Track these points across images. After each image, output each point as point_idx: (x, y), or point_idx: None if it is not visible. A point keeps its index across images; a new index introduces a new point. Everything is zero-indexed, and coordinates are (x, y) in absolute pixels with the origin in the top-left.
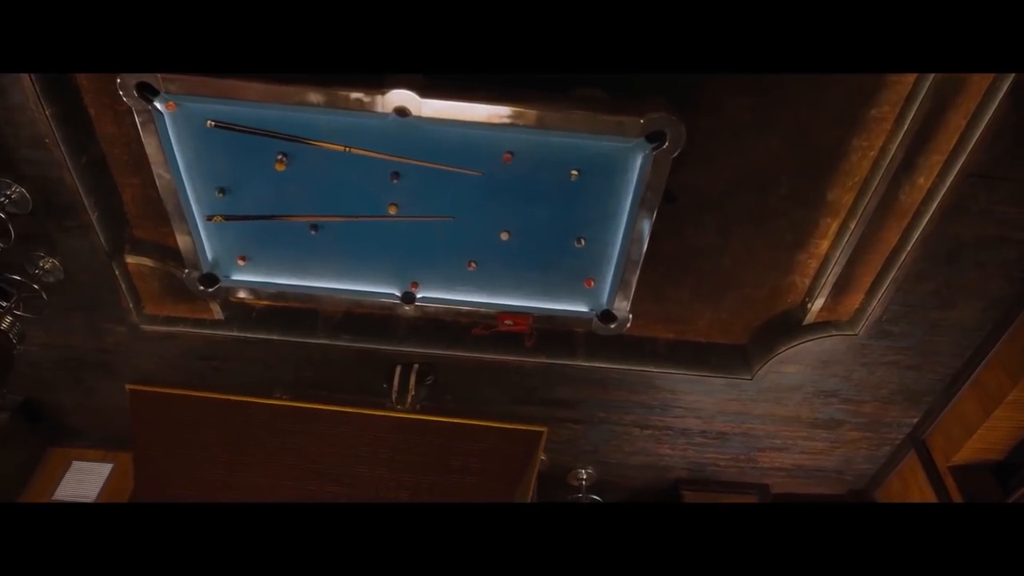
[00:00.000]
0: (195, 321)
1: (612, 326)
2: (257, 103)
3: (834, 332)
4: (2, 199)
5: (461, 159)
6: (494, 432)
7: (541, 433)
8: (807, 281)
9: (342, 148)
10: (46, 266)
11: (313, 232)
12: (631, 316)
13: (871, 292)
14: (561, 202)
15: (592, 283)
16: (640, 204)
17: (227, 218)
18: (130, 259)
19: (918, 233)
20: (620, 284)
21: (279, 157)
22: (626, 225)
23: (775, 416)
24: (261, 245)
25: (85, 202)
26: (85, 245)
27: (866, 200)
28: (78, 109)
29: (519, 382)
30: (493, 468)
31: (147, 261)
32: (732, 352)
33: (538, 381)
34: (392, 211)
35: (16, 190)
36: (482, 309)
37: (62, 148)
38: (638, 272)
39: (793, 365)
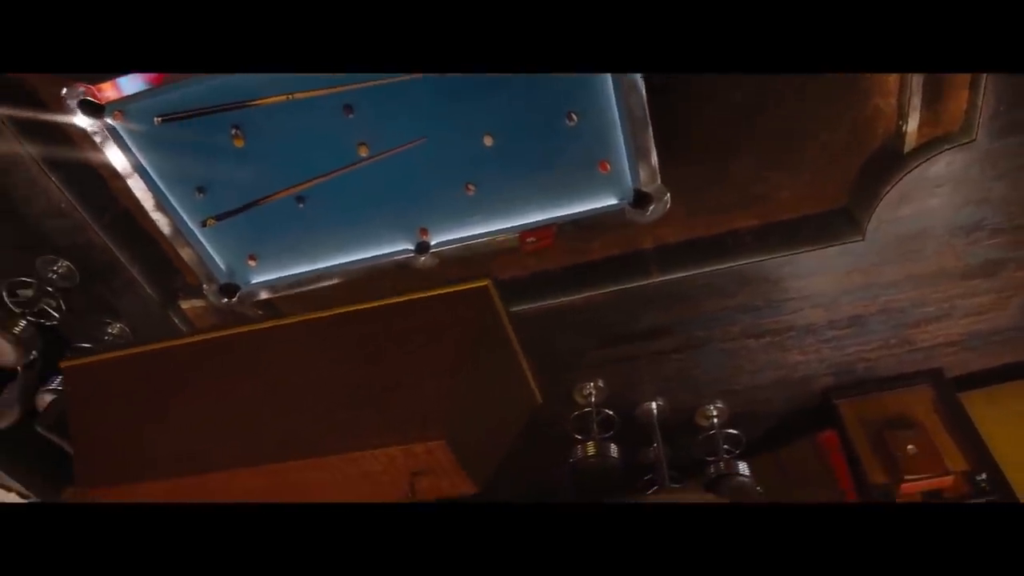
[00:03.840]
0: None
1: (651, 209)
2: (189, 82)
3: (946, 147)
4: (51, 275)
5: None
6: (429, 302)
7: (484, 287)
8: (891, 100)
9: (285, 97)
10: (114, 331)
11: (301, 205)
12: (668, 192)
13: (975, 83)
14: (530, 79)
15: (607, 165)
16: None
17: (218, 218)
18: (184, 304)
19: None
20: (638, 153)
21: (233, 132)
22: (612, 78)
23: (913, 277)
24: (261, 238)
25: (121, 258)
26: (138, 301)
27: None
28: (81, 168)
29: (596, 321)
30: (441, 339)
31: (199, 302)
32: (831, 217)
33: (616, 315)
34: (363, 152)
35: (62, 264)
36: (501, 236)
37: (80, 210)
38: (651, 131)
39: (909, 204)
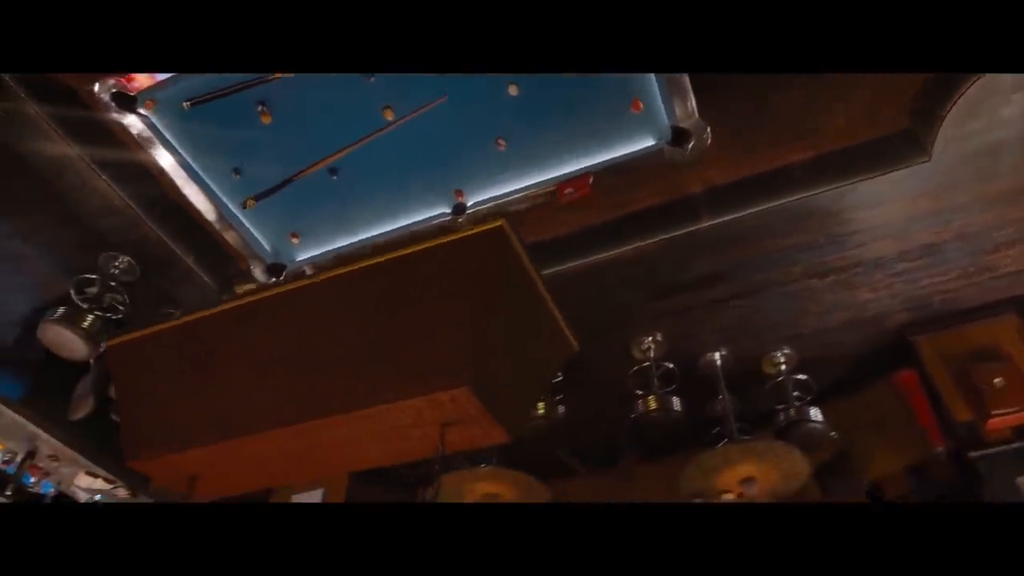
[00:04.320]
0: None
1: (690, 145)
2: None
3: None
4: (113, 271)
5: None
6: (445, 248)
7: (499, 227)
8: None
9: None
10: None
11: (334, 177)
12: (708, 126)
13: None
14: None
15: (640, 104)
16: None
17: (257, 198)
18: (240, 289)
19: None
20: (671, 88)
21: (259, 109)
22: None
23: (988, 197)
24: (301, 214)
25: (176, 249)
26: (196, 290)
27: None
28: (128, 165)
29: (647, 273)
30: (460, 285)
31: (253, 285)
32: (893, 141)
33: (668, 264)
34: (389, 116)
35: (123, 259)
36: (537, 190)
37: (133, 206)
38: None
39: (979, 118)
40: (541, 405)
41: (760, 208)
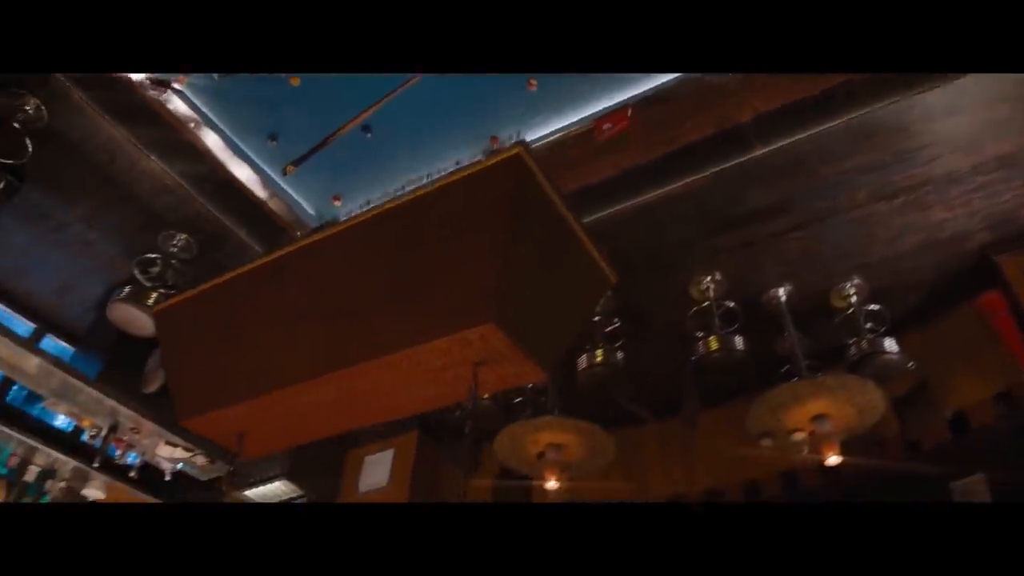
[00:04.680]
0: None
1: None
2: None
3: None
4: (173, 249)
5: None
6: (463, 183)
7: (516, 155)
8: None
9: None
10: None
11: (368, 135)
12: None
13: None
14: None
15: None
16: None
17: (296, 163)
18: None
19: None
20: None
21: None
22: None
23: None
24: (340, 175)
25: (228, 223)
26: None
27: None
28: (176, 143)
29: (700, 209)
30: (481, 220)
31: None
32: None
33: (720, 198)
34: None
35: (180, 237)
36: (575, 129)
37: (184, 184)
38: None
39: None
40: (599, 352)
41: (815, 131)
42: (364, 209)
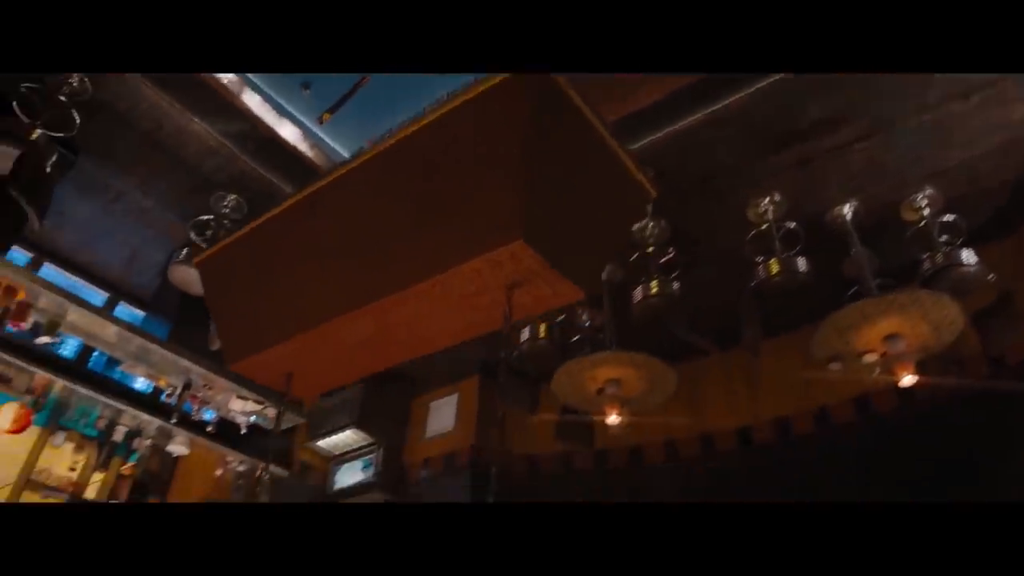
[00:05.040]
0: None
1: None
2: None
3: None
4: (224, 209)
5: None
6: (481, 100)
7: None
8: None
9: None
10: None
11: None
12: None
13: None
14: None
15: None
16: None
17: (331, 111)
18: None
19: None
20: None
21: None
22: None
23: None
24: (376, 120)
25: (273, 180)
26: None
27: None
28: (218, 103)
29: (754, 126)
30: (504, 136)
31: None
32: None
33: (775, 113)
34: None
35: (230, 198)
36: None
37: (227, 144)
38: None
39: None
40: (654, 284)
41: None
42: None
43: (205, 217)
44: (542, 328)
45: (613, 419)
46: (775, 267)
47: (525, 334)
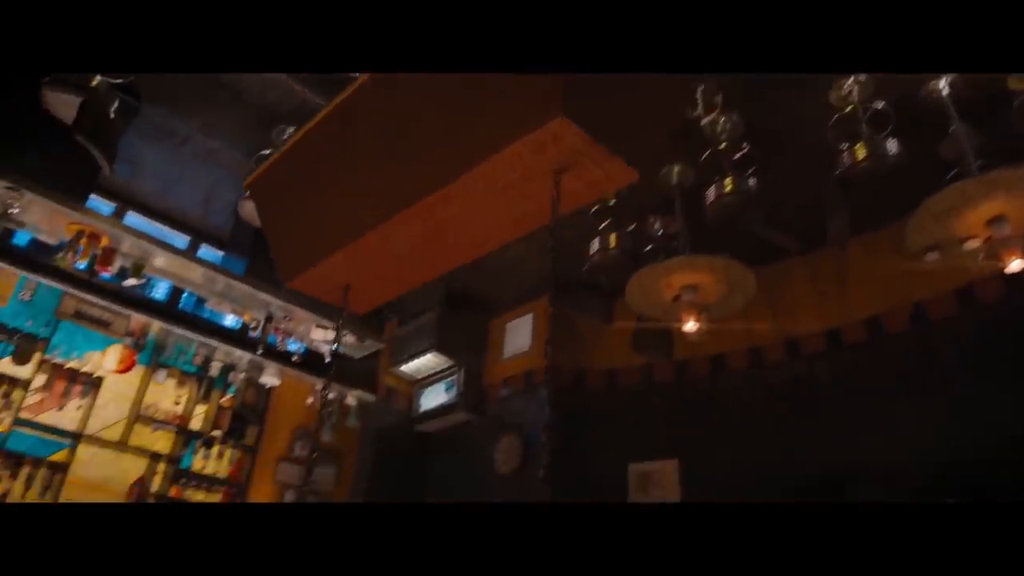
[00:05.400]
0: None
1: None
2: None
3: None
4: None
5: None
6: None
7: None
8: None
9: None
10: None
11: None
12: None
13: None
14: None
15: None
16: None
17: None
18: None
19: None
20: None
21: None
22: None
23: None
24: None
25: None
26: None
27: None
28: None
29: None
30: None
31: None
32: None
33: None
34: None
35: (290, 131)
36: None
37: (284, 75)
38: None
39: None
40: (728, 182)
41: None
42: None
43: (268, 151)
44: (612, 238)
45: (691, 326)
46: (861, 152)
47: (595, 245)
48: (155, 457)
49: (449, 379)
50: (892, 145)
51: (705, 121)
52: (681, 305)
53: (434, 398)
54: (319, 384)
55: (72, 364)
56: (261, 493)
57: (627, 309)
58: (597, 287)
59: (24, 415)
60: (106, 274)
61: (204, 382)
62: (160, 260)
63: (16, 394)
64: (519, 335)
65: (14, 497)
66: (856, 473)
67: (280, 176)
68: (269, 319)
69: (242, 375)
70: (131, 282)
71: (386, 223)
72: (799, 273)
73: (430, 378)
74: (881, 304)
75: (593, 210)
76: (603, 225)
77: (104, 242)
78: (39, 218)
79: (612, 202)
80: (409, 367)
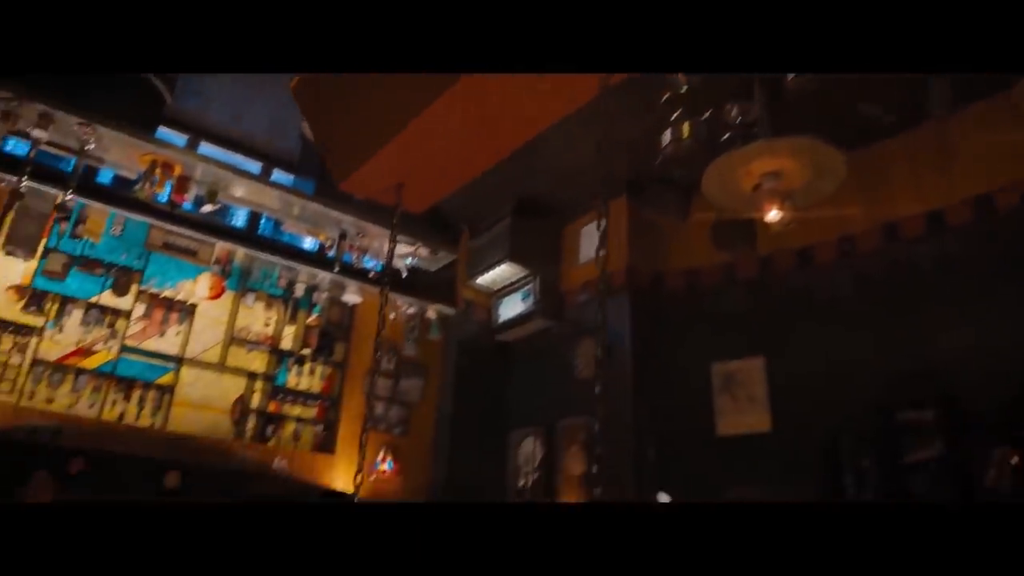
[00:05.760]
0: None
1: None
2: None
3: None
4: None
5: None
6: None
7: None
8: None
9: None
10: None
11: None
12: None
13: None
14: None
15: None
16: None
17: None
18: None
19: None
20: None
21: None
22: None
23: None
24: None
25: None
26: None
27: None
28: None
29: None
30: None
31: None
32: None
33: None
34: None
35: None
36: None
37: None
38: None
39: None
40: None
41: None
42: None
43: None
44: (685, 127)
45: (773, 215)
46: None
47: (667, 136)
48: (252, 376)
49: (525, 288)
50: None
51: None
52: (762, 194)
53: (512, 308)
54: (400, 300)
55: (167, 293)
56: (352, 405)
57: (705, 203)
58: (672, 181)
59: (129, 343)
60: (186, 203)
61: (290, 303)
62: (236, 187)
63: (120, 324)
64: (594, 239)
65: (129, 418)
66: (955, 368)
67: (322, 76)
68: (343, 237)
69: (325, 294)
70: (208, 208)
71: (431, 107)
72: (893, 153)
73: (506, 288)
74: (989, 181)
75: (664, 98)
76: (675, 115)
77: (178, 171)
78: (114, 152)
79: (684, 89)
80: (485, 279)
